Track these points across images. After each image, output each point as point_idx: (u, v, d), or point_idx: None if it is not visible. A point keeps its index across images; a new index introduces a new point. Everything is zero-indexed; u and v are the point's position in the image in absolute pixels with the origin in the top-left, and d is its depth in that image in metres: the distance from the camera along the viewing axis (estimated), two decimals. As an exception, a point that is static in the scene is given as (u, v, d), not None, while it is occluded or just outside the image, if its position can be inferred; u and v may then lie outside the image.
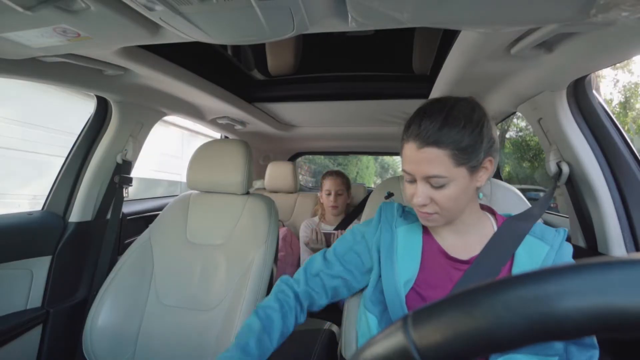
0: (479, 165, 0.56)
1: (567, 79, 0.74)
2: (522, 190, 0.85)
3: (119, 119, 1.13)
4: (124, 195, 1.22)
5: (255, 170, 2.33)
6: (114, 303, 0.96)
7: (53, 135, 4.69)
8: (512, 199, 0.81)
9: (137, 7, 0.49)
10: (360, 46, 1.30)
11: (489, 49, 0.68)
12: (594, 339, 0.55)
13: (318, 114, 1.65)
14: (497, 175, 1.82)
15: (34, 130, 4.54)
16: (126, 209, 1.35)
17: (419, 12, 0.48)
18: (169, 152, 6.81)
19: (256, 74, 1.38)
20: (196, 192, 1.17)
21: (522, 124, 9.93)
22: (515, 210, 0.68)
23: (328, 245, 1.63)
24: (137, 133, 1.22)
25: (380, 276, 0.63)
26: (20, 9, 0.48)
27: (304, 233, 1.75)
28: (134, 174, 1.26)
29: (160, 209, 1.22)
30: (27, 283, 0.99)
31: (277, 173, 2.14)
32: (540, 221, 0.65)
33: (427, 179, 0.55)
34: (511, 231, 0.60)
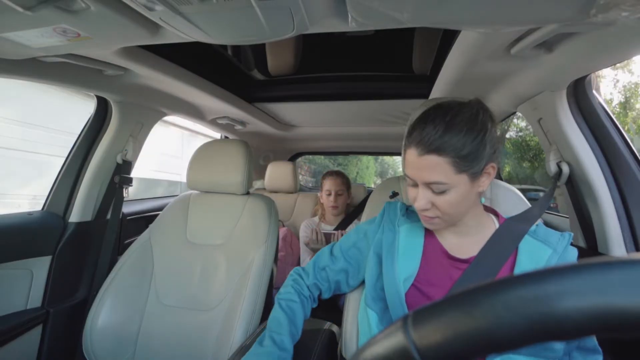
0: (481, 171, 0.56)
1: (567, 79, 0.75)
2: (522, 191, 0.85)
3: (119, 119, 1.13)
4: (124, 195, 1.22)
5: (255, 170, 2.33)
6: (114, 303, 0.96)
7: (53, 135, 4.70)
8: (512, 199, 0.81)
9: (137, 7, 0.49)
10: (360, 46, 1.30)
11: (489, 49, 0.68)
12: (597, 344, 0.55)
13: (318, 114, 1.65)
14: (498, 175, 1.82)
15: (34, 130, 4.54)
16: (126, 209, 1.35)
17: (419, 12, 0.48)
18: (169, 152, 6.81)
19: (256, 74, 1.38)
20: (196, 192, 1.17)
21: (522, 124, 9.93)
22: (515, 211, 0.68)
23: (328, 245, 1.63)
24: (137, 133, 1.22)
25: (381, 273, 0.64)
26: (20, 9, 0.48)
27: (304, 233, 1.75)
28: (134, 174, 1.26)
29: (160, 209, 1.22)
30: (27, 283, 0.99)
31: (277, 173, 2.14)
32: (540, 221, 0.65)
33: (428, 184, 0.55)
34: (510, 231, 0.61)
